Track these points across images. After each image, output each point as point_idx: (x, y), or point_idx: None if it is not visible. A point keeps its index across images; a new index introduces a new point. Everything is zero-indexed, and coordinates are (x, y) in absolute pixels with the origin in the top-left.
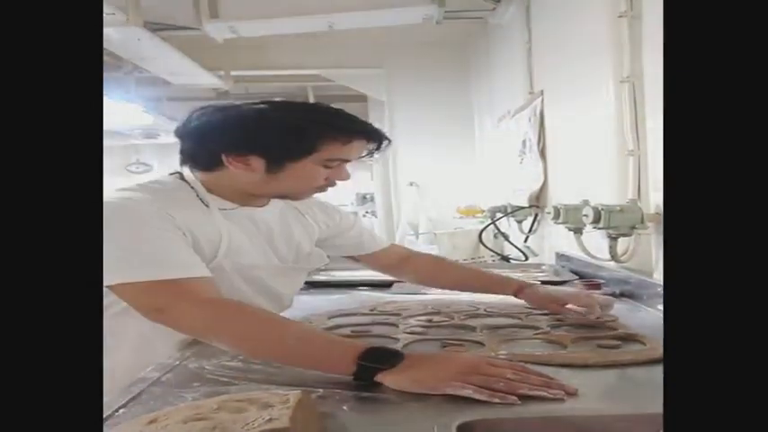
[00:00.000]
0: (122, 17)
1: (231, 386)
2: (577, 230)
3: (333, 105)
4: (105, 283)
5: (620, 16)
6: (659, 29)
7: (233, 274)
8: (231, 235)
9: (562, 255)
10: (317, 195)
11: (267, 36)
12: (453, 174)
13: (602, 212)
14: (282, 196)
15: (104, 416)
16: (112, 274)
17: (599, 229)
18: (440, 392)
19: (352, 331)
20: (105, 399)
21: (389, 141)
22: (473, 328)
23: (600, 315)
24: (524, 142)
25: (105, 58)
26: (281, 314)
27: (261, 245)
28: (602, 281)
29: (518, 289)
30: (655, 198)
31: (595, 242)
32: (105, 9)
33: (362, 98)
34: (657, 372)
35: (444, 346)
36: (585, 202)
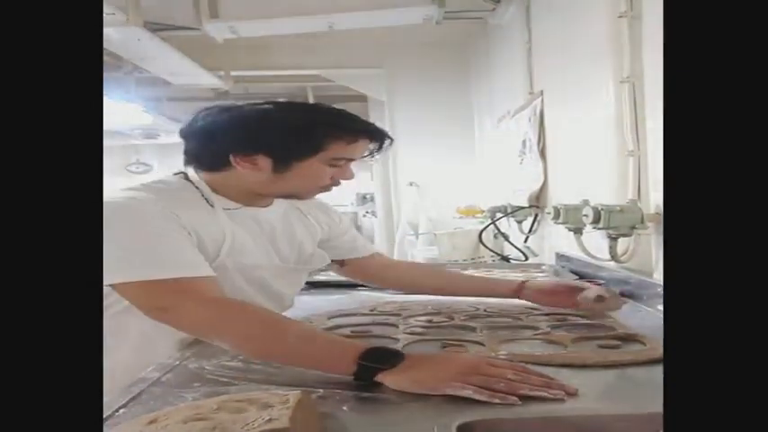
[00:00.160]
0: (122, 17)
1: (231, 386)
2: (577, 230)
3: (334, 105)
4: (108, 282)
5: (620, 16)
6: (659, 29)
7: (235, 273)
8: (235, 235)
9: (562, 255)
10: (318, 196)
11: (267, 36)
12: (453, 174)
13: (602, 212)
14: (288, 196)
15: (104, 416)
16: (116, 272)
17: (599, 229)
18: (440, 393)
19: (352, 331)
20: (105, 399)
21: (392, 140)
22: (473, 329)
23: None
24: (524, 142)
25: (105, 58)
26: (283, 314)
27: (264, 245)
28: (603, 281)
29: (518, 289)
30: (655, 198)
31: (595, 242)
32: (105, 9)
33: (362, 98)
34: (657, 372)
35: (444, 347)
36: (585, 202)
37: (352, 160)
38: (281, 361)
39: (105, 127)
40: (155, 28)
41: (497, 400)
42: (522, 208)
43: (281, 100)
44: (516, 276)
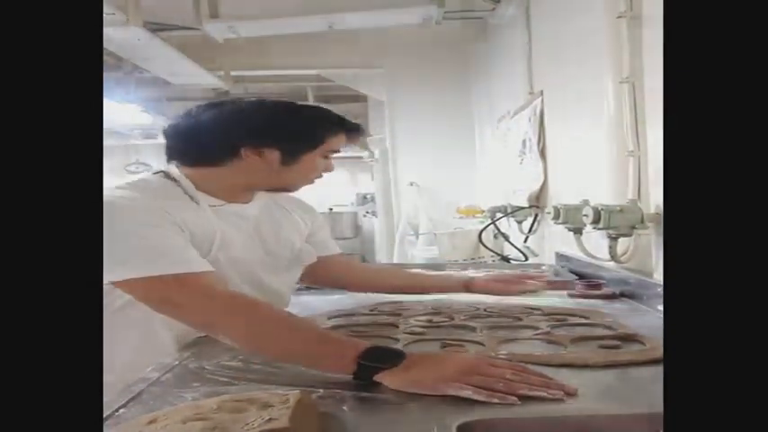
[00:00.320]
0: (122, 17)
1: (231, 386)
2: (577, 230)
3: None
4: (114, 279)
5: (620, 16)
6: (659, 29)
7: (228, 269)
8: (222, 230)
9: (562, 255)
10: (296, 194)
11: (267, 36)
12: (453, 174)
13: (602, 212)
14: (283, 188)
15: (104, 416)
16: (122, 269)
17: (599, 229)
18: (439, 393)
19: (352, 331)
20: (106, 397)
21: (363, 132)
22: (473, 329)
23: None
24: (524, 142)
25: (105, 58)
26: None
27: (251, 240)
28: (603, 281)
29: (466, 284)
30: (655, 198)
31: (595, 242)
32: (105, 9)
33: (362, 98)
34: (657, 372)
35: (444, 347)
36: (585, 202)
37: (338, 152)
38: (280, 358)
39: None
40: (155, 28)
41: (496, 400)
42: (522, 208)
43: (270, 99)
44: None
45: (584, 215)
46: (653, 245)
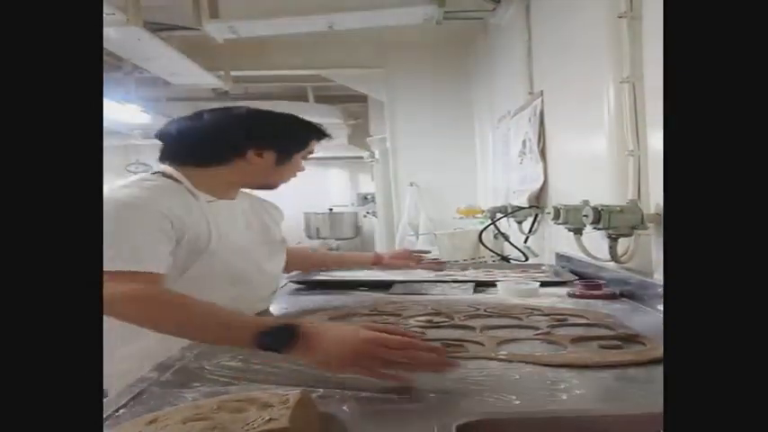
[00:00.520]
0: (122, 17)
1: (231, 386)
2: (577, 231)
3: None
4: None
5: (620, 16)
6: (659, 29)
7: (231, 256)
8: (218, 221)
9: (562, 255)
10: (263, 193)
11: (267, 36)
12: (453, 174)
13: (603, 213)
14: (271, 185)
15: (104, 416)
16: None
17: (599, 229)
18: (342, 374)
19: None
20: (127, 381)
21: (328, 137)
22: (473, 329)
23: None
24: (524, 142)
25: (105, 58)
26: (273, 290)
27: (243, 229)
28: (603, 281)
29: (375, 259)
30: (655, 198)
31: (595, 242)
32: (105, 9)
33: (362, 98)
34: (657, 372)
35: (444, 347)
36: (585, 203)
37: (311, 154)
38: (192, 338)
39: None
40: (155, 28)
41: (388, 381)
42: (522, 208)
43: (254, 107)
44: (517, 276)
45: (585, 215)
46: (653, 245)
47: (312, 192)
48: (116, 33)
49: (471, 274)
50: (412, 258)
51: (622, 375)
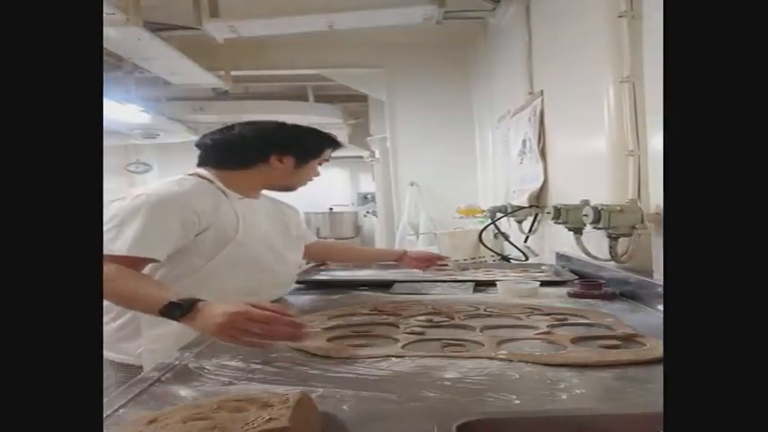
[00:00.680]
0: (122, 17)
1: (231, 386)
2: (577, 230)
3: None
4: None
5: (620, 16)
6: (659, 29)
7: (258, 246)
8: (246, 215)
9: (562, 255)
10: (282, 198)
11: (267, 36)
12: (453, 173)
13: (603, 212)
14: (288, 187)
15: (104, 416)
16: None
17: (599, 229)
18: (217, 338)
19: (353, 331)
20: (155, 355)
21: (339, 146)
22: (473, 328)
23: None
24: (524, 142)
25: (105, 58)
26: (292, 279)
27: (266, 223)
28: (603, 281)
29: (400, 256)
30: (655, 198)
31: (595, 242)
32: (105, 9)
33: (362, 98)
34: (657, 372)
35: (444, 347)
36: (585, 202)
37: (326, 161)
38: (130, 309)
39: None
40: (155, 28)
41: (248, 347)
42: (522, 208)
43: (284, 122)
44: (517, 276)
45: (585, 215)
46: (653, 245)
47: (312, 191)
48: (116, 33)
49: (471, 273)
50: (434, 263)
51: (622, 375)
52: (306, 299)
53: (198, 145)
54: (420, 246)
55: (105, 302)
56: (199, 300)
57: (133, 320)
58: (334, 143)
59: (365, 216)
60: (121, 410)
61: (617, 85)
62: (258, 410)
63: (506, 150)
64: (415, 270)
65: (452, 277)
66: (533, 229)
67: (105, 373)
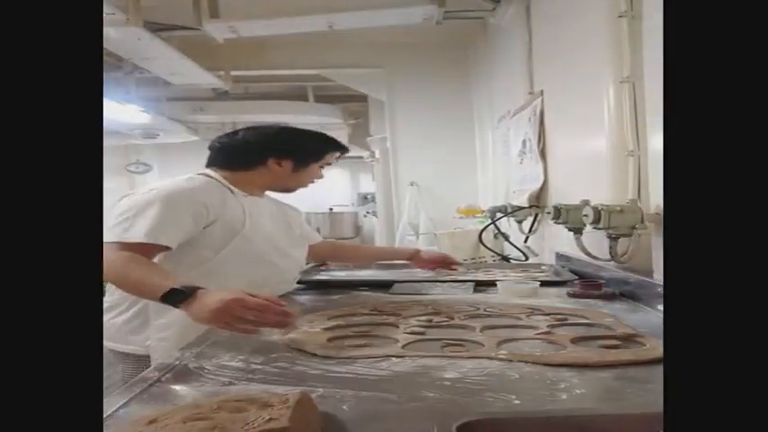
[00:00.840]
0: (122, 17)
1: (231, 386)
2: (577, 231)
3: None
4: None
5: (620, 16)
6: (659, 29)
7: (263, 242)
8: (252, 212)
9: (562, 255)
10: (286, 199)
11: (267, 36)
12: (453, 173)
13: (603, 213)
14: (289, 189)
15: (104, 416)
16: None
17: (599, 229)
18: (212, 325)
19: (353, 331)
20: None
21: (347, 151)
22: (473, 329)
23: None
24: (524, 142)
25: (105, 58)
26: (296, 275)
27: (270, 220)
28: (603, 281)
29: (412, 255)
30: (655, 198)
31: (595, 242)
32: (105, 9)
33: (362, 98)
34: (657, 372)
35: (444, 347)
36: (585, 203)
37: (328, 164)
38: (138, 295)
39: (105, 127)
40: (155, 28)
41: (241, 333)
42: (522, 208)
43: (289, 125)
44: (517, 276)
45: (585, 215)
46: (653, 245)
47: (312, 192)
48: (116, 33)
49: (471, 273)
50: (447, 265)
51: (622, 375)
52: (306, 299)
53: (209, 147)
54: (420, 246)
55: (112, 298)
56: (199, 288)
57: (141, 313)
58: (337, 147)
59: (365, 216)
60: (121, 410)
61: (617, 85)
62: (258, 410)
63: (506, 150)
64: (417, 270)
65: (452, 277)
66: (533, 229)
67: (114, 368)
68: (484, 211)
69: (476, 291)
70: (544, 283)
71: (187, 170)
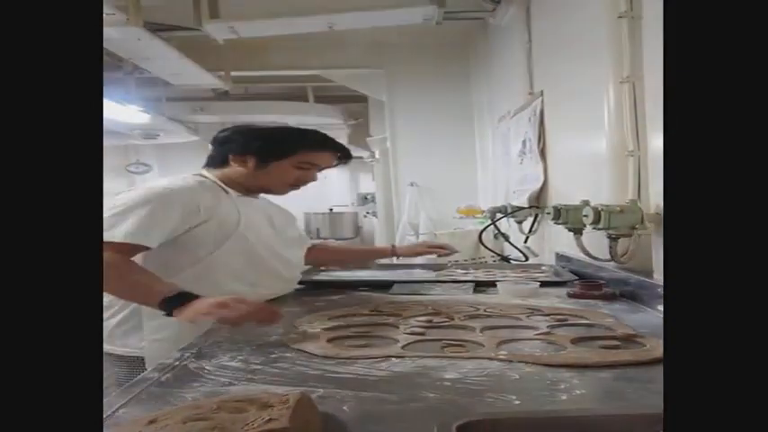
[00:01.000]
0: (122, 17)
1: (231, 386)
2: (577, 231)
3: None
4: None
5: (620, 16)
6: (659, 29)
7: (256, 243)
8: (246, 212)
9: (562, 255)
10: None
11: (267, 37)
12: (453, 174)
13: (603, 213)
14: (262, 189)
15: (104, 416)
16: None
17: (599, 229)
18: (205, 319)
19: (353, 332)
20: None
21: (351, 158)
22: (473, 329)
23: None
24: (524, 142)
25: (105, 58)
26: (294, 276)
27: (266, 222)
28: (603, 281)
29: (392, 249)
30: (655, 198)
31: (595, 242)
32: (105, 9)
33: (362, 99)
34: (657, 372)
35: (444, 347)
36: (585, 203)
37: (315, 166)
38: (130, 300)
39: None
40: (155, 28)
41: (234, 319)
42: (522, 208)
43: (273, 124)
44: (517, 276)
45: (585, 215)
46: (653, 245)
47: (312, 192)
48: (116, 33)
49: (471, 274)
50: (426, 248)
51: (622, 375)
52: (306, 299)
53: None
54: None
55: (106, 299)
56: (191, 295)
57: (133, 315)
58: (323, 145)
59: (365, 216)
60: (121, 411)
61: (617, 85)
62: (258, 411)
63: (506, 151)
64: (417, 270)
65: (452, 278)
66: (533, 229)
67: (106, 371)
68: (484, 212)
69: (476, 291)
70: (544, 284)
71: (187, 170)
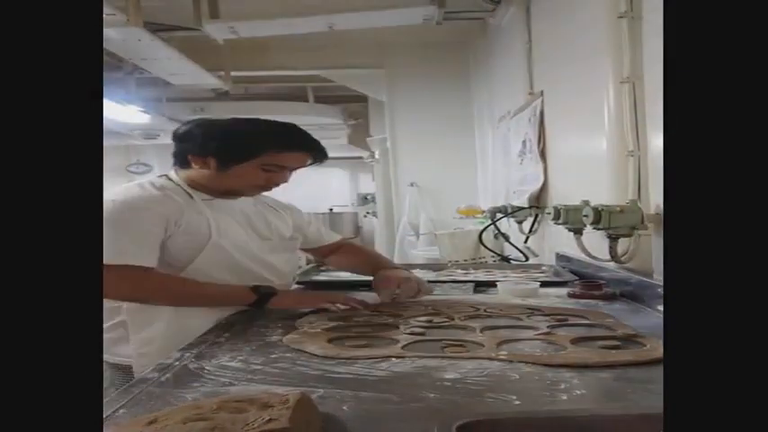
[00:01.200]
0: (122, 17)
1: (231, 387)
2: (577, 231)
3: (284, 121)
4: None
5: (620, 16)
6: (659, 29)
7: (233, 251)
8: (217, 218)
9: (562, 255)
10: (286, 199)
11: (267, 36)
12: (453, 174)
13: (603, 213)
14: (231, 192)
15: (104, 416)
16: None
17: (599, 229)
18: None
19: (353, 332)
20: (144, 361)
21: (327, 157)
22: (473, 329)
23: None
24: (524, 142)
25: (105, 58)
26: (284, 282)
27: (245, 227)
28: (603, 281)
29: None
30: (655, 198)
31: (595, 242)
32: (105, 9)
33: (362, 99)
34: (657, 372)
35: (445, 347)
36: (585, 203)
37: (284, 168)
38: (202, 304)
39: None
40: (155, 28)
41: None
42: (522, 208)
43: (240, 117)
44: (517, 276)
45: (585, 215)
46: (653, 245)
47: (312, 192)
48: (116, 33)
49: (471, 274)
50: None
51: (622, 375)
52: None
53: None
54: (420, 246)
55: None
56: (274, 288)
57: (118, 326)
58: (290, 145)
59: (365, 217)
60: (121, 411)
61: (617, 85)
62: (258, 411)
63: (506, 151)
64: (416, 270)
65: (452, 278)
66: (533, 229)
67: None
68: (484, 212)
69: (476, 291)
70: (544, 284)
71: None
